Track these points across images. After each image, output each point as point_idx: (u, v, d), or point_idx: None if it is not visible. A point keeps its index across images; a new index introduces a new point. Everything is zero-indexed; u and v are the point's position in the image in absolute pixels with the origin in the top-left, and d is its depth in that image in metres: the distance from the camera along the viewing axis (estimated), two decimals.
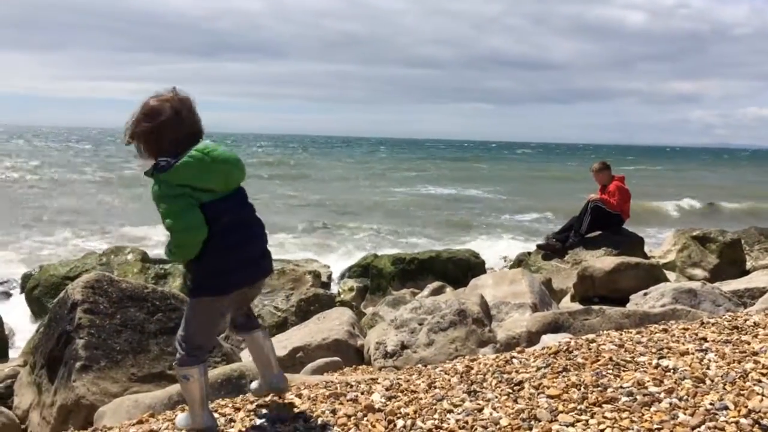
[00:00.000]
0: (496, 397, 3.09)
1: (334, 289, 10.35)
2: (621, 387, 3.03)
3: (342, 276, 11.17)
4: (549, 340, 4.38)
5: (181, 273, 8.74)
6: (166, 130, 2.79)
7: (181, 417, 3.06)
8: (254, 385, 3.28)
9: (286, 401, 3.26)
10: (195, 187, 2.75)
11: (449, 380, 3.39)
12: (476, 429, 2.76)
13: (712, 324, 4.05)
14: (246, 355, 5.34)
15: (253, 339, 3.12)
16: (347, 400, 3.19)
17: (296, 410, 3.10)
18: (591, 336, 4.00)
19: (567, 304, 7.45)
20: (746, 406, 2.71)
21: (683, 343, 3.61)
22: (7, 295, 10.38)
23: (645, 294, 6.13)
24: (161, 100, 2.84)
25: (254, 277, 2.92)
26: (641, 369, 3.24)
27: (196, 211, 2.72)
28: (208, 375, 2.95)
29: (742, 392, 2.85)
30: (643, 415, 2.75)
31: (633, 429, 2.64)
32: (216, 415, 3.14)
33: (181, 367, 2.83)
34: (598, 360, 3.43)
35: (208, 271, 2.78)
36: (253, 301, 3.18)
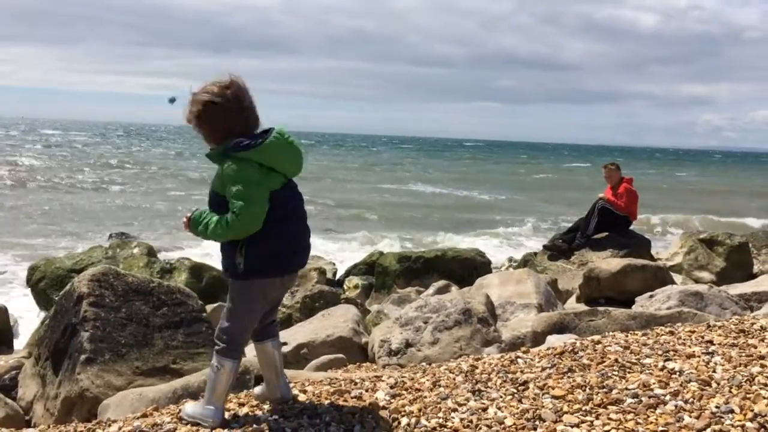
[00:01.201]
0: (501, 396, 3.08)
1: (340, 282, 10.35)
2: (626, 388, 3.02)
3: (347, 273, 11.16)
4: (554, 340, 4.37)
5: (186, 267, 8.74)
6: (230, 114, 2.83)
7: (190, 406, 3.06)
8: (258, 390, 3.28)
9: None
10: (275, 169, 2.81)
11: (454, 379, 3.38)
12: (481, 428, 2.75)
13: (719, 327, 4.03)
14: (250, 350, 5.34)
15: (264, 349, 3.14)
16: (351, 397, 3.19)
17: (301, 406, 3.09)
18: (596, 337, 3.98)
19: (572, 305, 7.43)
20: (752, 410, 2.69)
21: (689, 346, 3.60)
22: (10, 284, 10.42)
23: (651, 296, 6.11)
24: (224, 85, 2.86)
25: (301, 264, 3.00)
26: (647, 371, 3.23)
27: (266, 205, 2.77)
28: (237, 372, 3.02)
29: (748, 395, 2.83)
30: (648, 417, 2.74)
31: (638, 431, 2.62)
32: None
33: (219, 356, 2.91)
34: (604, 361, 3.42)
35: (267, 252, 2.83)
36: (282, 299, 3.18)
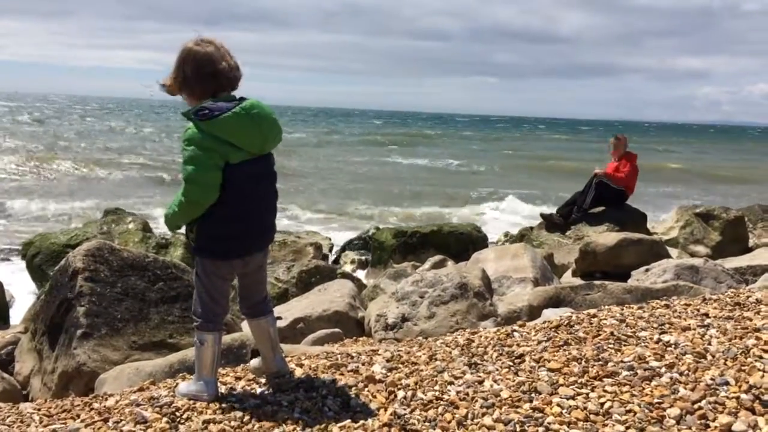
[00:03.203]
0: (497, 369, 3.09)
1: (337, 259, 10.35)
2: (622, 361, 3.03)
3: (343, 248, 11.17)
4: (550, 314, 4.38)
5: (182, 242, 8.73)
6: (200, 75, 2.79)
7: (183, 385, 3.06)
8: (254, 363, 3.25)
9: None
10: (231, 143, 2.74)
11: (450, 353, 3.39)
12: (477, 401, 2.76)
13: (714, 300, 4.04)
14: (245, 326, 5.35)
15: (259, 324, 3.10)
16: (348, 371, 3.20)
17: (297, 380, 3.10)
18: (592, 311, 3.99)
19: (568, 279, 7.45)
20: (747, 382, 2.70)
21: (685, 319, 3.60)
22: (8, 261, 10.40)
23: (647, 270, 6.12)
24: (200, 43, 2.82)
25: (252, 249, 2.91)
26: (642, 344, 3.24)
27: (217, 173, 2.71)
28: (221, 344, 3.01)
29: (743, 368, 2.84)
30: (643, 389, 2.75)
31: (633, 403, 2.64)
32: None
33: (199, 331, 2.92)
34: (599, 334, 3.43)
35: (210, 235, 2.81)
36: (263, 275, 3.11)
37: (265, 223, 2.94)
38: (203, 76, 2.79)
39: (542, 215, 10.05)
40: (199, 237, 2.82)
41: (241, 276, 3.01)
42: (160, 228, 10.42)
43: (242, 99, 2.82)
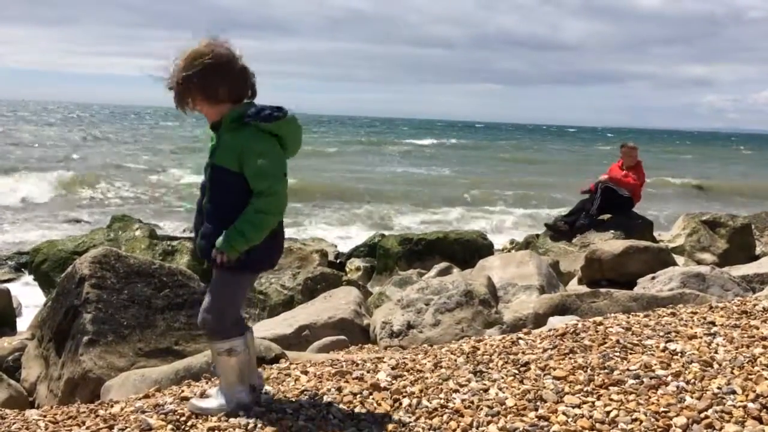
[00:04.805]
0: (502, 377, 3.08)
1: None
2: (628, 369, 3.02)
3: (349, 256, 11.17)
4: (556, 322, 4.37)
5: (188, 249, 8.75)
6: (228, 74, 2.53)
7: (207, 403, 2.84)
8: (207, 404, 2.99)
9: (292, 378, 3.26)
10: (285, 147, 2.58)
11: (455, 360, 3.39)
12: (482, 409, 2.75)
13: (721, 308, 4.02)
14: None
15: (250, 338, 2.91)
16: (353, 379, 3.19)
17: (302, 387, 3.10)
18: (598, 318, 3.98)
19: (574, 286, 7.43)
20: (754, 391, 2.69)
21: (691, 327, 3.59)
22: (17, 269, 10.43)
23: (653, 278, 6.11)
24: (215, 44, 2.56)
25: (277, 262, 2.85)
26: (648, 352, 3.23)
27: (286, 179, 2.57)
28: (254, 341, 2.84)
29: (750, 377, 2.83)
30: (649, 397, 2.74)
31: (639, 411, 2.63)
32: None
33: (226, 340, 2.69)
34: (605, 342, 3.42)
35: (264, 247, 2.61)
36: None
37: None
38: (230, 78, 2.54)
39: (547, 225, 10.03)
40: (254, 251, 2.58)
41: None
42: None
43: (279, 107, 2.61)
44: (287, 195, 2.57)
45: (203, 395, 2.99)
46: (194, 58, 2.52)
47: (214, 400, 2.85)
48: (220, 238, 2.56)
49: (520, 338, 3.70)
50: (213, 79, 2.52)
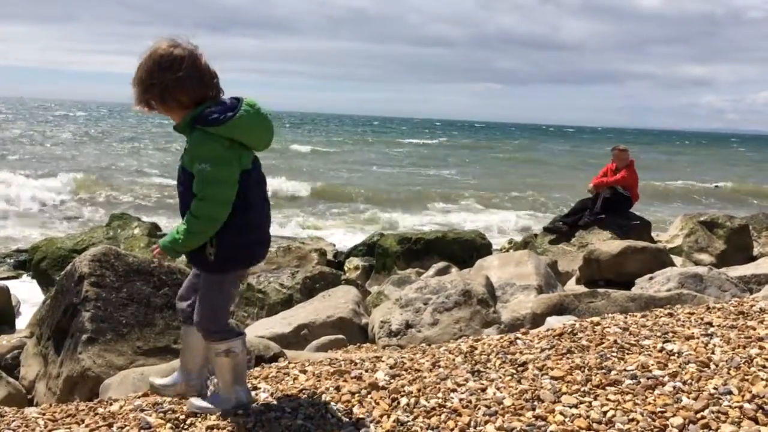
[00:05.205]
0: (500, 377, 3.09)
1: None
2: (625, 370, 3.03)
3: (347, 255, 11.19)
4: (554, 321, 4.38)
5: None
6: (187, 79, 2.50)
7: (206, 402, 2.86)
8: (167, 380, 3.05)
9: (291, 377, 3.27)
10: (245, 145, 2.55)
11: (453, 360, 3.40)
12: (480, 408, 2.76)
13: (718, 309, 4.04)
14: (251, 331, 5.36)
15: (194, 331, 2.86)
16: (351, 378, 3.20)
17: (300, 386, 3.11)
18: (596, 319, 3.99)
19: (572, 286, 7.45)
20: (750, 391, 2.70)
21: (688, 328, 3.61)
22: (16, 267, 10.43)
23: (651, 278, 6.12)
24: (174, 45, 2.53)
25: (260, 258, 2.83)
26: (646, 352, 3.24)
27: (236, 187, 2.53)
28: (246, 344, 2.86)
29: (746, 377, 2.85)
30: (646, 398, 2.75)
31: (636, 412, 2.64)
32: None
33: (224, 342, 2.73)
34: (603, 342, 3.43)
35: (237, 243, 2.62)
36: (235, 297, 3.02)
37: (269, 227, 2.84)
38: (189, 79, 2.51)
39: (546, 228, 10.05)
40: (222, 249, 2.60)
41: None
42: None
43: (236, 98, 2.60)
44: (230, 198, 2.51)
45: (201, 395, 3.00)
46: (154, 62, 2.51)
47: (201, 402, 2.87)
48: (165, 239, 2.62)
49: (517, 338, 3.71)
50: (174, 88, 2.52)
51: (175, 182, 2.73)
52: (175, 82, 2.50)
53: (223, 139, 2.51)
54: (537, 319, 4.85)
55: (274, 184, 21.68)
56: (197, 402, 2.88)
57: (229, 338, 2.75)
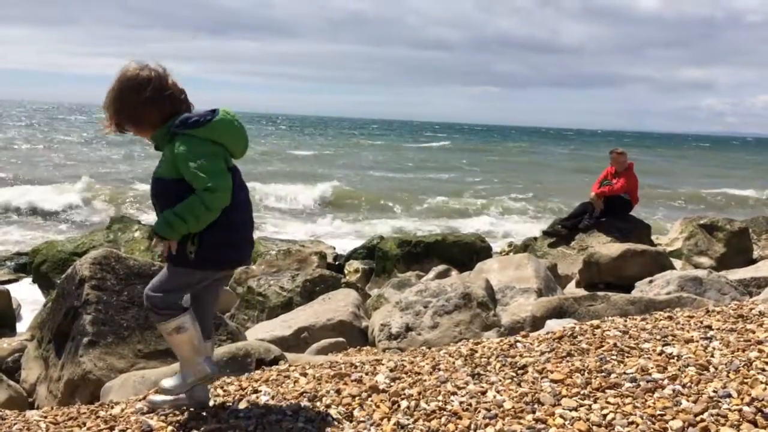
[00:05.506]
0: (500, 380, 3.10)
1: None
2: (625, 373, 3.04)
3: (347, 258, 11.19)
4: (553, 325, 4.39)
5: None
6: (156, 99, 2.62)
7: (170, 381, 2.89)
8: (170, 382, 2.97)
9: (291, 380, 3.28)
10: (227, 148, 2.64)
11: (453, 363, 3.41)
12: (480, 411, 2.77)
13: (718, 312, 4.04)
14: (251, 334, 5.37)
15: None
16: (352, 381, 3.21)
17: (301, 389, 3.12)
18: (595, 322, 4.00)
19: (572, 289, 7.46)
20: (749, 395, 2.71)
21: (688, 331, 3.61)
22: (17, 270, 10.43)
23: (650, 281, 6.13)
24: (141, 68, 2.65)
25: (244, 259, 2.84)
26: (645, 355, 3.25)
27: (230, 175, 2.61)
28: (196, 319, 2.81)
29: (745, 380, 2.85)
30: (646, 401, 2.76)
31: (636, 415, 2.65)
32: (220, 392, 3.17)
33: (173, 319, 2.68)
34: (603, 346, 3.44)
35: (220, 243, 2.65)
36: (220, 297, 3.03)
37: (252, 233, 2.87)
38: (158, 99, 2.63)
39: (545, 232, 10.05)
40: (203, 248, 2.63)
41: (205, 290, 2.84)
42: None
43: (212, 110, 2.69)
44: (230, 186, 2.59)
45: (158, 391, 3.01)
46: (122, 86, 2.64)
47: (170, 381, 2.90)
48: (159, 221, 2.61)
49: (517, 341, 3.72)
50: (143, 108, 2.63)
51: None
52: (144, 103, 2.64)
53: (207, 141, 2.61)
54: (537, 322, 4.85)
55: (275, 188, 21.74)
56: (153, 396, 2.95)
57: (177, 315, 2.69)
